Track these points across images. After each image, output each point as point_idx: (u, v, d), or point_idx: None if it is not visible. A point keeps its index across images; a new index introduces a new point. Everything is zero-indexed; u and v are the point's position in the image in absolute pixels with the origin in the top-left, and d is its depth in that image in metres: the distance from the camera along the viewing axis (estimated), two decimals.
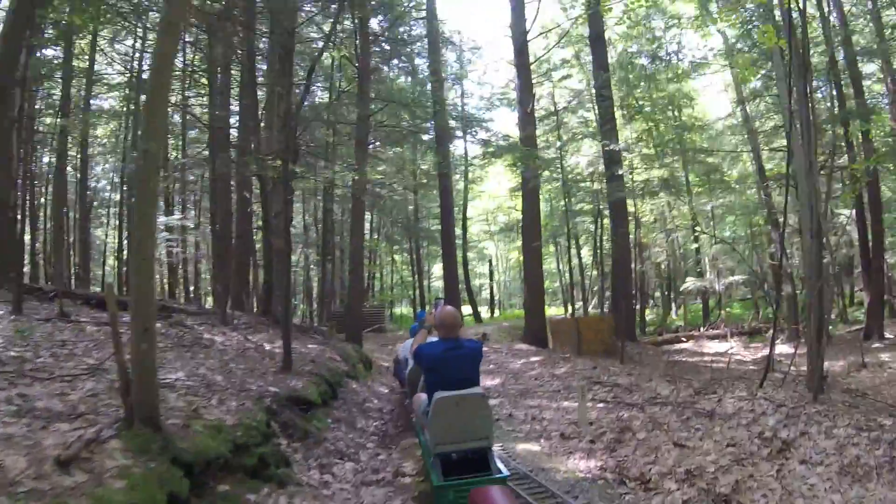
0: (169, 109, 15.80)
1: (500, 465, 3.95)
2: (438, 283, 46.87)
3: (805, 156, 7.74)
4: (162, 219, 15.94)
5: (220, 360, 6.76)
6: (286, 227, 9.32)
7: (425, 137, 24.77)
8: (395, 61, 17.93)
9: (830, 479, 4.24)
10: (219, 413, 4.49)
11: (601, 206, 18.29)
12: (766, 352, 16.39)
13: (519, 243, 40.36)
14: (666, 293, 29.71)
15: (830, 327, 17.95)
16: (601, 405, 7.53)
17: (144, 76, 14.76)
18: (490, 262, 40.14)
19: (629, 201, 18.06)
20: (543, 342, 15.31)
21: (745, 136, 20.29)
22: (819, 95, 16.76)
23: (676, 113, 21.35)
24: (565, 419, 7.12)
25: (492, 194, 40.06)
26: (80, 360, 4.92)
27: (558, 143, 16.05)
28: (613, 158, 16.09)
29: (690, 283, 21.22)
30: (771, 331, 17.64)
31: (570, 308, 33.08)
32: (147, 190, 3.84)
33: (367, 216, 32.08)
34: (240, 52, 11.48)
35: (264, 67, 13.35)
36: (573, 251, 24.05)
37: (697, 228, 21.22)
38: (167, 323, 8.44)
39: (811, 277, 7.01)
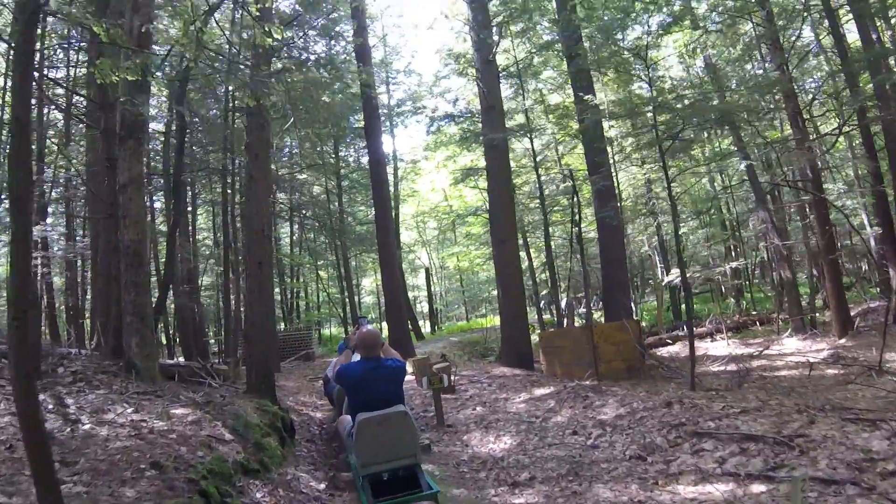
0: None
1: (430, 482, 3.86)
2: (369, 299, 42.61)
3: None
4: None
5: None
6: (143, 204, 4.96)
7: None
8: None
9: None
10: None
11: (576, 187, 14.69)
12: (786, 346, 13.29)
13: (456, 249, 37.06)
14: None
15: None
16: (763, 488, 3.66)
17: None
18: (427, 271, 36.05)
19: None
20: (529, 363, 11.41)
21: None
22: None
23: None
24: None
25: (423, 197, 36.18)
26: None
27: (526, 103, 12.15)
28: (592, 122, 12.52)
29: (676, 273, 17.87)
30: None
31: (538, 315, 29.57)
32: None
33: (286, 228, 27.60)
34: None
35: None
36: (536, 243, 20.58)
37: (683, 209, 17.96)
38: None
39: None
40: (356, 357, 4.52)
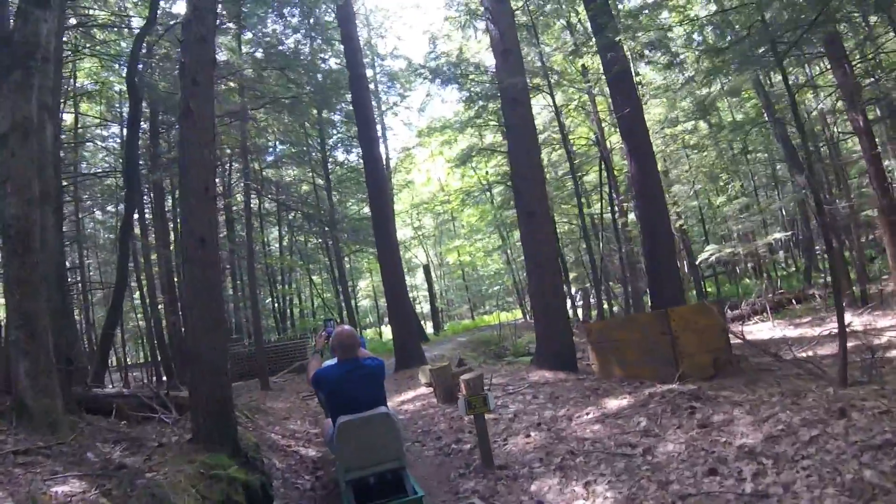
0: None
1: (416, 486, 3.71)
2: (366, 302, 40.42)
3: None
4: None
5: None
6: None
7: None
8: None
9: None
10: None
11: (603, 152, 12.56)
12: (852, 322, 11.04)
13: (457, 242, 34.82)
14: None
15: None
16: None
17: None
18: (426, 268, 33.85)
19: None
20: (572, 363, 9.25)
21: None
22: None
23: None
24: None
25: (417, 190, 34.01)
26: None
27: (543, 50, 10.00)
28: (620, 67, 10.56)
29: (711, 251, 15.83)
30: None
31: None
32: None
33: (275, 232, 25.48)
34: None
35: None
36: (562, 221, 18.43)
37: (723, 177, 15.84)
38: None
39: None
40: (330, 361, 4.24)
